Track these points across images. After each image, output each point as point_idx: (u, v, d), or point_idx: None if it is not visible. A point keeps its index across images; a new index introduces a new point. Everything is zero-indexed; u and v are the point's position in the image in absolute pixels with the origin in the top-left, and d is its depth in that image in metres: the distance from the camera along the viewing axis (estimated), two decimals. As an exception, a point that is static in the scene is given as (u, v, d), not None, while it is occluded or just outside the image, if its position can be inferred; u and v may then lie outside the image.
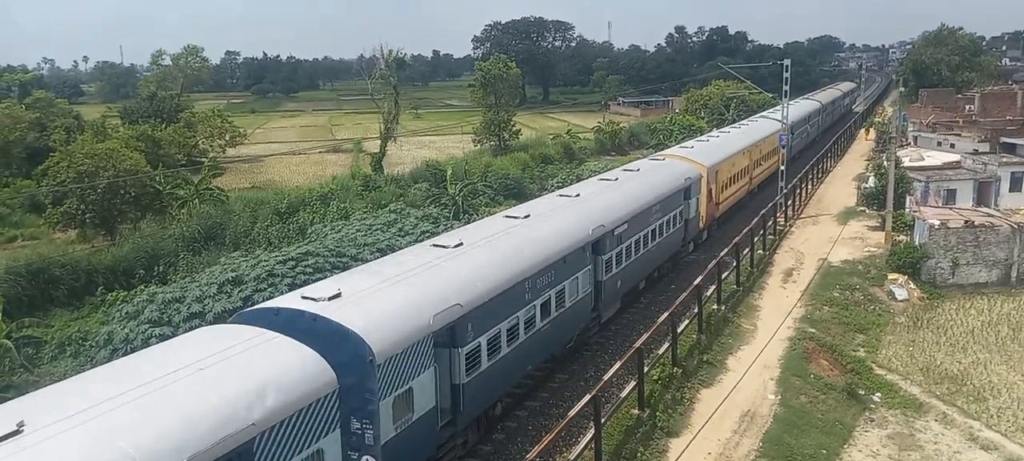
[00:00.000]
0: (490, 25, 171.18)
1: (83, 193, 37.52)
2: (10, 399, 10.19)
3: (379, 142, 58.50)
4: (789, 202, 36.54)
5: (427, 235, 29.66)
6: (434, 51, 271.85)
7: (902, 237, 30.81)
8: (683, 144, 37.77)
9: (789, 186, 37.77)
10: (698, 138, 40.83)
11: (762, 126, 45.18)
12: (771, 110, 55.34)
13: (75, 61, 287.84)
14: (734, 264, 25.52)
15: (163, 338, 20.16)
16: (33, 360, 22.85)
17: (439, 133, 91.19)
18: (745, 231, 27.80)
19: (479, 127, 74.00)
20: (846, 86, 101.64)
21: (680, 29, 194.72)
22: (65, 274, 29.90)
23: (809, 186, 42.03)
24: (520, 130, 76.36)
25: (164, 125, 68.44)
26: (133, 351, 19.08)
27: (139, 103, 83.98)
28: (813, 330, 22.16)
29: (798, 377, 19.09)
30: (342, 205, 38.60)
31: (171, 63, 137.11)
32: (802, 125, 54.21)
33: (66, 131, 58.27)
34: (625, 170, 28.20)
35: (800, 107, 58.31)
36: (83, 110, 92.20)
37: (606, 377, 15.79)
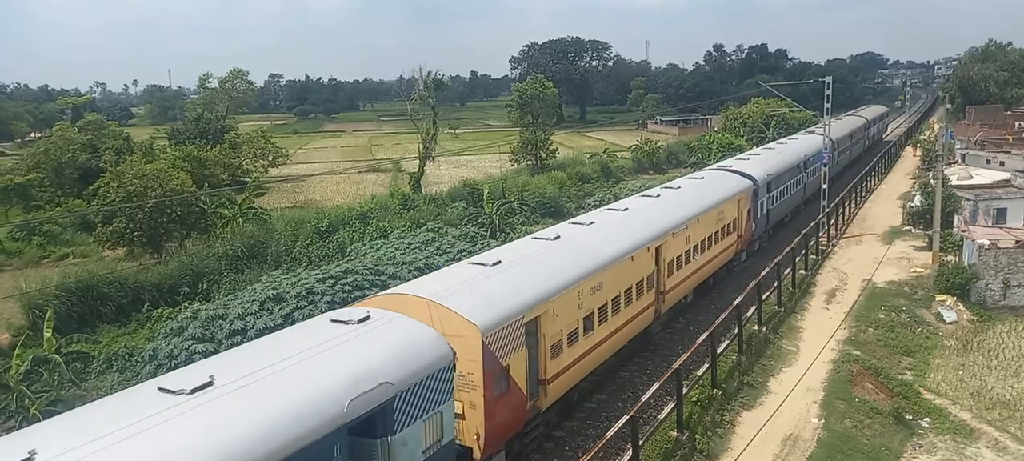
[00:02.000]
0: (527, 46, 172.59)
1: (131, 212, 38.52)
2: (60, 412, 10.66)
3: (417, 162, 59.07)
4: (832, 221, 35.85)
5: (464, 254, 29.78)
6: (472, 72, 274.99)
7: (950, 257, 29.99)
8: (442, 275, 17.21)
9: (832, 205, 37.07)
10: (512, 243, 22.20)
11: (706, 191, 27.84)
12: (733, 159, 38.11)
13: (125, 85, 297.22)
14: (775, 284, 25.10)
15: (205, 354, 20.53)
16: (81, 375, 23.44)
17: (476, 153, 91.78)
18: (786, 251, 27.33)
19: (516, 146, 74.26)
20: (872, 111, 77.15)
21: (718, 47, 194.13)
22: (113, 291, 30.58)
23: (852, 205, 41.21)
24: (557, 149, 76.40)
25: (210, 146, 70.02)
26: (177, 367, 19.47)
27: (186, 125, 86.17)
28: (858, 353, 21.64)
29: (842, 401, 18.64)
30: (381, 224, 38.95)
31: (217, 86, 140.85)
32: (785, 181, 36.18)
33: (116, 152, 59.92)
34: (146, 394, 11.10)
35: (782, 156, 38.83)
36: (132, 132, 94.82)
37: (644, 398, 15.64)
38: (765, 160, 35.97)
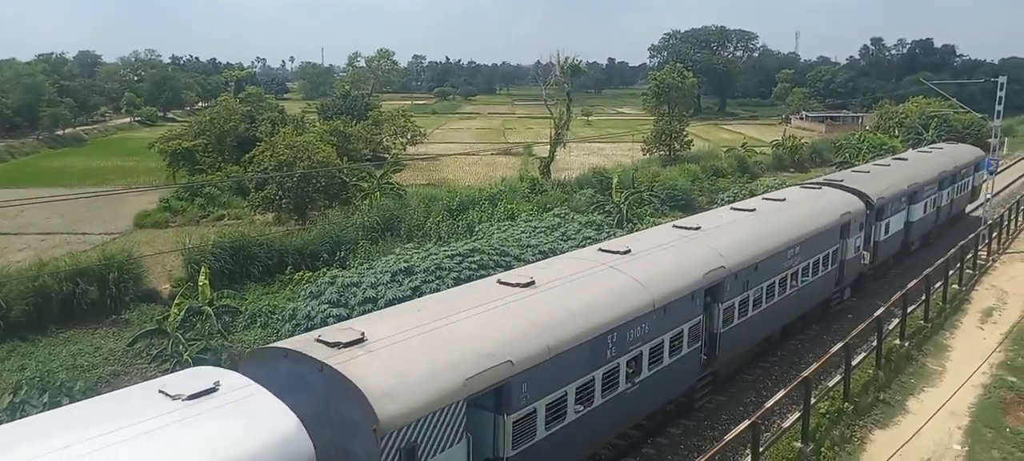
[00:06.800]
0: (669, 34, 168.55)
1: (281, 181, 41.13)
2: (208, 362, 11.77)
3: (548, 147, 59.31)
4: (994, 235, 32.75)
5: (589, 241, 29.68)
6: (609, 59, 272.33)
7: None
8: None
9: (995, 217, 33.87)
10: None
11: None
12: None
13: (283, 61, 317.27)
14: (923, 297, 23.31)
15: (339, 319, 21.66)
16: (228, 327, 25.35)
17: (609, 140, 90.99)
18: (938, 263, 25.29)
19: (649, 136, 72.94)
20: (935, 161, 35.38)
21: (877, 41, 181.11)
22: (261, 252, 32.68)
23: (1019, 219, 37.46)
24: (692, 141, 74.43)
25: (354, 122, 73.55)
26: (313, 328, 20.68)
27: (334, 101, 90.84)
28: (1014, 379, 19.71)
29: (991, 429, 17.07)
30: (509, 206, 39.44)
31: (364, 65, 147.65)
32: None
33: (271, 124, 64.15)
34: None
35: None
36: (287, 105, 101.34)
37: (768, 404, 15.01)
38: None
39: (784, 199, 24.19)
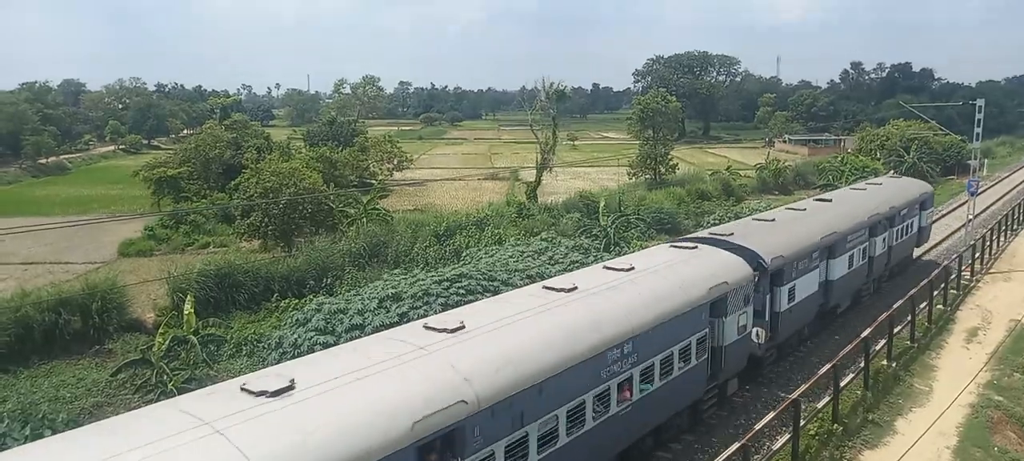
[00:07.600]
0: (652, 59, 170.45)
1: (267, 207, 40.93)
2: (193, 390, 11.58)
3: (535, 171, 59.50)
4: (977, 255, 33.12)
5: (576, 265, 29.72)
6: (594, 84, 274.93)
7: (1117, 302, 26.98)
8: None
9: (978, 238, 34.27)
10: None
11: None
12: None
13: (269, 88, 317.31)
14: (909, 318, 23.47)
15: (325, 346, 21.50)
16: (213, 356, 25.09)
17: (594, 164, 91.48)
18: (924, 283, 25.51)
19: (635, 160, 73.42)
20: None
21: (856, 65, 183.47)
22: (247, 280, 32.34)
23: (1001, 239, 37.94)
24: (677, 164, 74.99)
25: (340, 148, 73.51)
26: (299, 356, 20.51)
27: (320, 127, 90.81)
28: (1000, 398, 19.85)
29: (979, 448, 17.15)
30: (496, 231, 39.45)
31: (350, 92, 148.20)
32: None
33: (257, 151, 63.86)
34: None
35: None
36: (272, 132, 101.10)
37: (758, 427, 15.01)
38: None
39: (631, 268, 17.45)
